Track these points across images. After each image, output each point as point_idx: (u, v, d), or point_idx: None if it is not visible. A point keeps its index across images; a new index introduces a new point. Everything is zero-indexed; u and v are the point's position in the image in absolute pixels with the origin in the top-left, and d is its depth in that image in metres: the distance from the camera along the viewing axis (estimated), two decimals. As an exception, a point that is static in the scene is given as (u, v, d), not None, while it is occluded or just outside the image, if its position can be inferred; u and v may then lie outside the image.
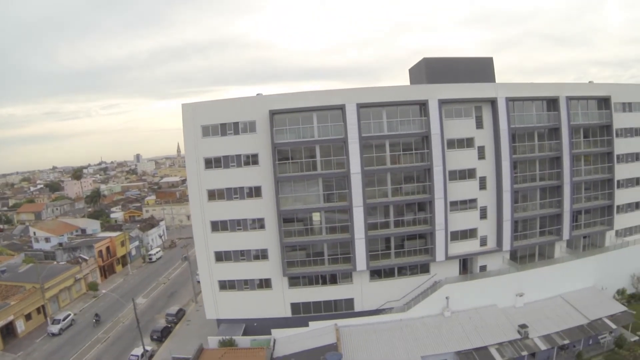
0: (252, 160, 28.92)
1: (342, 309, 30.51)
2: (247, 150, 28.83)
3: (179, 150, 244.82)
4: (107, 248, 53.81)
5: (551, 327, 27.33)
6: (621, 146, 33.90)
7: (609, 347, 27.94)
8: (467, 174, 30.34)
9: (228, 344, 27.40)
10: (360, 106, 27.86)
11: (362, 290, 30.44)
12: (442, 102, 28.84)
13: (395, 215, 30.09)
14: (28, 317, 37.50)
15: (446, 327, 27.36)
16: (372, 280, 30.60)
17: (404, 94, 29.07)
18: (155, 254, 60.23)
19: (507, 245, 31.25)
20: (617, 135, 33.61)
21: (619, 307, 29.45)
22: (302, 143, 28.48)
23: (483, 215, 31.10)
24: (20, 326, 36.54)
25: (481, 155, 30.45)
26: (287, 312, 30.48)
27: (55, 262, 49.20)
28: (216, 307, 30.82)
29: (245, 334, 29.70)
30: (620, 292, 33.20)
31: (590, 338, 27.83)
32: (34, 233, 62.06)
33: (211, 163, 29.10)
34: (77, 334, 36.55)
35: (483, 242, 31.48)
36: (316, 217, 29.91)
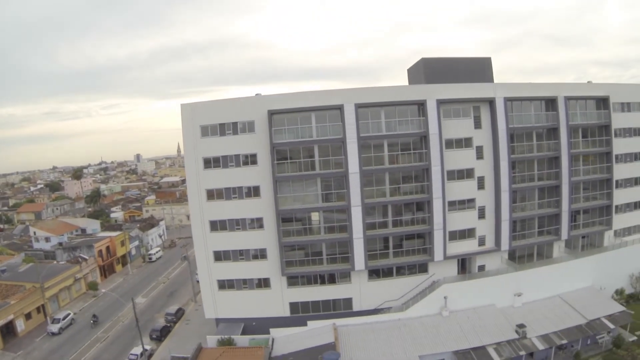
0: (250, 160, 29.01)
1: (341, 308, 30.58)
2: (245, 150, 28.92)
3: (179, 150, 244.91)
4: (107, 248, 53.92)
5: (549, 327, 27.37)
6: (620, 146, 33.93)
7: (607, 347, 27.98)
8: (465, 174, 30.40)
9: (227, 343, 27.50)
10: (358, 106, 27.94)
11: (361, 289, 30.51)
12: (441, 102, 28.91)
13: (394, 215, 30.16)
14: (28, 316, 37.60)
15: (444, 326, 27.42)
16: (371, 280, 30.67)
17: (402, 94, 29.14)
18: (155, 254, 60.34)
19: (505, 245, 31.30)
20: (615, 135, 33.64)
21: (617, 307, 29.48)
22: (300, 143, 28.56)
23: (481, 215, 31.16)
24: (20, 325, 36.66)
25: (479, 155, 30.50)
26: (286, 312, 30.56)
27: (55, 262, 49.31)
28: (215, 307, 30.92)
29: (244, 333, 29.79)
30: (619, 292, 33.24)
31: (589, 338, 27.86)
32: (34, 233, 62.20)
33: (210, 163, 29.20)
34: (77, 333, 36.65)
35: (481, 241, 31.54)
36: (315, 216, 30.00)
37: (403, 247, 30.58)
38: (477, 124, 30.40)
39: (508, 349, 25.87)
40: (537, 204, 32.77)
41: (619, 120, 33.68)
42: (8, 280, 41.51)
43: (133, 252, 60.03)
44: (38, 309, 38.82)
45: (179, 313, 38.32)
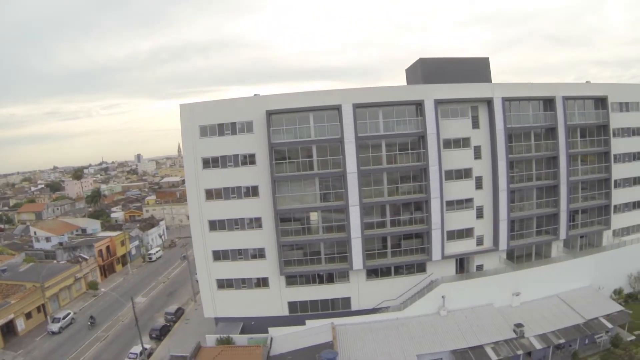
0: (249, 160, 29.15)
1: (339, 307, 30.68)
2: (244, 150, 29.04)
3: (179, 150, 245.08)
4: (107, 247, 54.11)
5: (547, 326, 27.42)
6: (618, 146, 33.97)
7: (605, 346, 28.02)
8: (463, 174, 30.47)
9: (225, 342, 27.62)
10: (356, 106, 28.04)
11: (359, 289, 30.61)
12: (438, 102, 28.99)
13: (392, 214, 30.25)
14: (28, 315, 37.78)
15: (442, 326, 27.49)
16: (369, 279, 30.77)
17: (400, 94, 29.24)
18: (155, 254, 60.53)
19: (503, 244, 31.36)
20: (614, 135, 33.69)
21: (615, 307, 29.51)
22: (298, 143, 28.67)
23: (479, 214, 31.23)
24: (21, 325, 36.84)
25: (477, 155, 30.57)
26: (285, 311, 30.67)
27: (55, 262, 49.49)
28: (214, 306, 31.05)
29: (243, 332, 29.90)
30: (618, 292, 33.26)
31: (587, 337, 27.90)
32: (35, 233, 62.45)
33: (209, 163, 29.34)
34: (77, 332, 36.82)
35: (479, 241, 31.61)
36: (313, 216, 30.11)
37: (401, 247, 30.67)
38: (475, 124, 30.47)
39: (506, 349, 25.94)
40: (536, 203, 32.81)
41: (617, 120, 33.72)
42: (8, 279, 41.71)
43: (133, 251, 60.22)
44: (38, 309, 39.01)
45: (179, 312, 38.47)
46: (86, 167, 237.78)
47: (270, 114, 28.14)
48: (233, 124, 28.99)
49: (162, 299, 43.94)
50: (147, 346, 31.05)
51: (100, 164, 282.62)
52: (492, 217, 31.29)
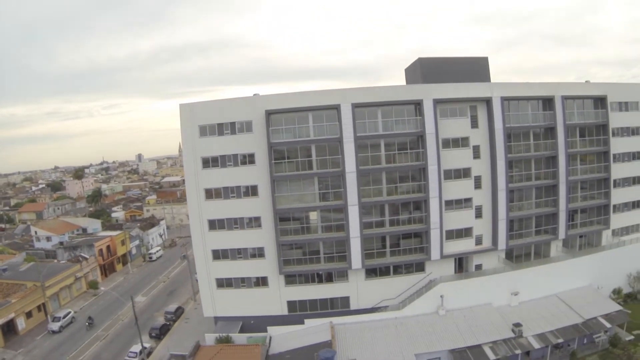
0: (248, 159, 29.23)
1: (338, 307, 30.75)
2: (243, 149, 29.13)
3: (180, 150, 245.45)
4: (108, 247, 54.27)
5: (545, 326, 27.45)
6: (617, 145, 33.96)
7: (603, 346, 28.03)
8: (462, 173, 30.51)
9: (224, 341, 27.72)
10: (355, 106, 28.10)
11: (358, 288, 30.68)
12: (437, 102, 29.04)
13: (391, 214, 30.31)
14: (29, 314, 37.93)
15: (440, 325, 27.55)
16: (368, 279, 30.83)
17: (398, 93, 29.29)
18: (155, 253, 60.69)
19: (502, 244, 31.40)
20: (613, 135, 33.66)
21: (614, 307, 29.52)
22: (298, 142, 28.75)
23: (478, 214, 31.27)
24: (21, 324, 36.99)
25: (476, 154, 30.61)
26: (284, 310, 30.76)
27: (56, 261, 49.67)
28: (213, 305, 31.14)
29: (242, 331, 29.99)
30: (616, 292, 33.25)
31: (585, 337, 27.92)
32: (36, 232, 62.68)
33: (208, 162, 29.43)
34: (77, 331, 36.96)
35: (478, 241, 31.64)
36: (312, 215, 30.19)
37: (400, 246, 30.72)
38: (474, 124, 30.51)
39: (504, 348, 25.98)
40: (535, 203, 32.83)
41: (616, 120, 33.71)
42: (9, 279, 41.88)
43: (133, 251, 60.39)
44: (39, 308, 39.17)
45: (179, 312, 38.59)
46: (87, 167, 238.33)
47: (269, 113, 28.23)
48: (232, 124, 29.07)
49: (162, 298, 44.07)
50: (146, 345, 31.17)
51: (101, 163, 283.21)
52: (491, 216, 31.33)
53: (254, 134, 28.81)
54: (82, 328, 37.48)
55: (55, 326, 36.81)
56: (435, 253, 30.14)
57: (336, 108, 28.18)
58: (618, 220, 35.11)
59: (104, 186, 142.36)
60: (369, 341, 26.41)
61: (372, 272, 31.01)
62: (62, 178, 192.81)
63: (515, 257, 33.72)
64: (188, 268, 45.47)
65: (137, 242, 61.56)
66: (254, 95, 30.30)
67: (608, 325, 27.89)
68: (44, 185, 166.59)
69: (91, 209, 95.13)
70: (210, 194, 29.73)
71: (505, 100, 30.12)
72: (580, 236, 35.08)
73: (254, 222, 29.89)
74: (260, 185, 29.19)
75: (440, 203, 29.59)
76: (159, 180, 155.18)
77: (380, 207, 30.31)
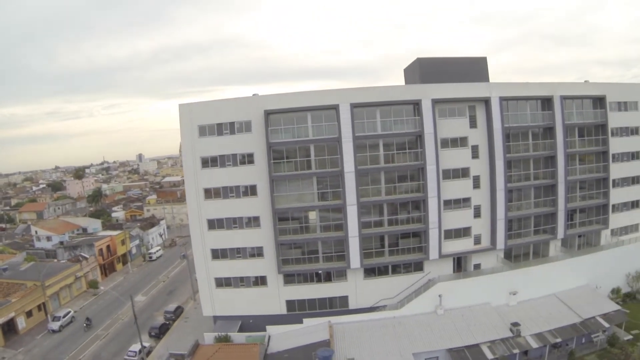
0: (247, 159, 29.32)
1: (337, 306, 30.82)
2: (242, 149, 29.22)
3: (181, 150, 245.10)
4: (108, 247, 54.39)
5: (544, 325, 27.50)
6: (616, 145, 33.98)
7: (601, 345, 28.05)
8: (460, 173, 30.56)
9: (223, 340, 27.79)
10: (353, 106, 28.18)
11: (357, 287, 30.74)
12: (436, 102, 29.09)
13: (389, 213, 30.38)
14: (29, 314, 38.05)
15: (439, 324, 27.61)
16: (367, 278, 30.90)
17: (397, 94, 29.35)
18: (155, 253, 60.80)
19: (501, 243, 31.44)
20: (612, 135, 33.69)
21: (612, 306, 29.54)
22: (296, 142, 28.83)
23: (477, 214, 31.32)
24: (21, 323, 37.11)
25: (475, 154, 30.66)
26: (283, 310, 30.84)
27: (56, 261, 49.80)
28: (213, 304, 31.24)
29: (241, 330, 30.07)
30: (615, 291, 33.29)
31: (583, 337, 27.96)
32: (36, 232, 62.82)
33: (208, 162, 29.53)
34: (77, 330, 37.07)
35: (477, 240, 31.69)
36: (311, 215, 30.28)
37: (399, 246, 30.78)
38: (473, 124, 30.56)
39: (502, 347, 26.03)
40: (533, 203, 32.88)
41: (615, 120, 33.74)
42: (10, 278, 42.00)
43: (133, 251, 60.51)
44: (39, 307, 39.28)
45: (178, 311, 38.69)
46: (88, 167, 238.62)
47: (268, 113, 28.31)
48: (232, 124, 29.16)
49: (162, 298, 44.19)
50: (146, 344, 31.27)
51: (102, 163, 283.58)
52: (489, 216, 31.37)
53: (253, 134, 28.90)
54: (82, 327, 37.59)
55: (55, 325, 36.94)
56: (433, 252, 30.20)
57: (335, 108, 28.26)
58: (617, 220, 35.15)
59: (104, 186, 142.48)
60: (367, 340, 26.47)
61: (370, 272, 31.07)
62: (63, 178, 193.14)
63: (514, 257, 33.76)
64: (188, 268, 45.57)
65: (137, 241, 61.68)
66: (253, 95, 30.40)
67: (606, 324, 27.92)
68: (44, 185, 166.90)
69: (91, 208, 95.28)
70: (210, 193, 29.82)
71: (503, 100, 30.17)
72: (579, 236, 35.12)
73: (253, 221, 29.98)
74: (259, 185, 29.28)
75: (438, 203, 29.65)
76: (159, 180, 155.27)
77: (379, 207, 30.37)
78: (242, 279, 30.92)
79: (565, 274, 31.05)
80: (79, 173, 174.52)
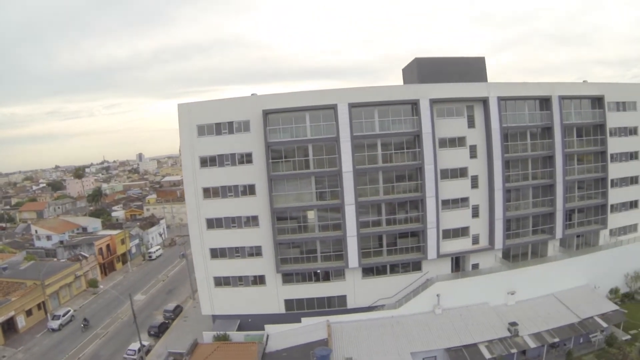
0: (246, 159, 29.40)
1: (335, 305, 30.90)
2: (241, 149, 29.29)
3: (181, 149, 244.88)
4: (108, 246, 54.50)
5: (542, 325, 27.54)
6: (615, 145, 33.99)
7: (599, 345, 28.09)
8: (458, 173, 30.61)
9: (222, 338, 27.88)
10: (352, 106, 28.23)
11: (355, 287, 30.81)
12: (434, 102, 29.13)
13: (387, 213, 30.44)
14: (29, 312, 38.16)
15: (436, 324, 27.66)
16: (365, 278, 30.96)
17: (395, 93, 29.39)
18: (155, 252, 60.91)
19: (499, 243, 31.48)
20: (610, 135, 33.70)
21: (610, 306, 29.59)
22: (295, 142, 28.89)
23: (475, 213, 31.35)
24: (21, 322, 37.23)
25: (473, 154, 30.70)
26: (281, 309, 30.92)
27: (56, 260, 49.89)
28: (211, 303, 31.33)
29: (239, 329, 30.18)
30: (614, 292, 33.33)
31: (581, 336, 28.01)
32: (36, 231, 62.95)
33: (206, 162, 29.61)
34: (77, 329, 37.15)
35: (475, 240, 31.73)
36: (309, 214, 30.34)
37: (397, 245, 30.84)
38: (471, 123, 30.59)
39: (500, 347, 26.08)
40: (532, 202, 32.90)
41: (614, 120, 33.75)
42: (9, 277, 42.10)
43: (133, 250, 60.61)
44: (39, 306, 39.40)
45: (177, 310, 38.79)
46: (88, 166, 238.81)
47: (266, 113, 28.38)
48: (230, 124, 29.23)
49: (161, 297, 44.29)
50: (145, 343, 31.36)
51: (102, 163, 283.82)
52: (487, 216, 31.42)
53: (251, 133, 28.97)
54: (81, 326, 37.71)
55: (54, 324, 37.05)
56: (432, 252, 30.25)
57: (333, 108, 28.32)
58: (615, 220, 35.15)
59: (104, 185, 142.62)
60: (365, 340, 26.54)
61: (369, 271, 31.13)
62: (63, 177, 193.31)
63: (512, 257, 33.80)
64: (187, 267, 45.66)
65: (136, 241, 61.78)
66: (252, 95, 30.46)
67: (604, 324, 27.95)
68: (44, 185, 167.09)
69: (91, 208, 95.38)
70: (209, 193, 29.91)
71: (502, 100, 30.20)
72: (578, 236, 35.13)
73: (252, 221, 30.05)
74: (257, 184, 29.35)
75: (437, 202, 29.70)
76: (159, 179, 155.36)
77: (377, 207, 30.43)
78: (240, 278, 31.01)
79: (563, 274, 31.09)
80: (79, 172, 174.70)
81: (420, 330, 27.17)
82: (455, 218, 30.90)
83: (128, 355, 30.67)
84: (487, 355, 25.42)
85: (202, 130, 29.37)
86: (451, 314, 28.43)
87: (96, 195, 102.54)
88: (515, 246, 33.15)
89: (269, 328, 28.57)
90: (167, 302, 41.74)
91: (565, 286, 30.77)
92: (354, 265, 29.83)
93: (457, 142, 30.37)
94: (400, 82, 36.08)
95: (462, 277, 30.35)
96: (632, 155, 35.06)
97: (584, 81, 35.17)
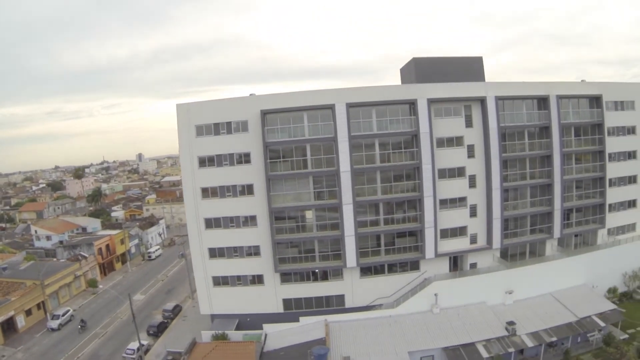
0: (244, 159, 29.47)
1: (333, 305, 30.96)
2: (239, 149, 29.37)
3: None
4: (107, 246, 54.59)
5: (539, 324, 27.61)
6: (613, 145, 34.03)
7: (597, 344, 28.13)
8: (456, 172, 30.66)
9: (220, 338, 27.97)
10: (349, 106, 28.30)
11: (353, 286, 30.88)
12: (431, 101, 29.19)
13: (385, 213, 30.51)
14: (28, 312, 38.25)
15: (434, 323, 27.73)
16: (363, 277, 31.03)
17: (393, 93, 29.46)
18: (154, 252, 61.00)
19: (497, 243, 31.54)
20: (608, 134, 33.73)
21: (608, 305, 29.65)
22: (293, 142, 28.97)
23: (473, 213, 31.41)
24: (21, 321, 37.32)
25: (471, 153, 30.75)
26: (279, 308, 31.00)
27: (55, 260, 49.99)
28: (210, 303, 31.41)
29: (238, 328, 30.25)
30: (612, 291, 33.36)
31: (579, 336, 28.04)
32: (36, 231, 63.06)
33: (205, 162, 29.70)
34: (76, 329, 37.25)
35: (473, 239, 31.79)
36: (307, 214, 30.41)
37: (395, 245, 30.90)
38: (469, 123, 30.64)
39: (497, 346, 26.15)
40: (530, 202, 32.95)
41: (612, 119, 33.78)
42: (9, 277, 42.22)
43: (133, 250, 60.71)
44: (38, 306, 39.49)
45: (176, 309, 38.88)
46: (87, 167, 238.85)
47: (264, 113, 28.45)
48: (228, 124, 29.31)
49: (161, 297, 44.38)
50: (144, 342, 31.47)
51: (102, 163, 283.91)
52: (485, 215, 31.47)
53: (249, 133, 29.04)
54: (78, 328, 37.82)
55: (54, 324, 37.15)
56: (429, 252, 30.31)
57: (331, 108, 28.38)
58: (613, 219, 35.19)
59: (104, 186, 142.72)
60: (362, 339, 26.61)
61: (367, 271, 31.20)
62: (63, 178, 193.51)
63: (510, 256, 33.84)
64: (186, 267, 45.74)
65: (136, 241, 61.88)
66: (250, 95, 30.53)
67: (602, 324, 28.00)
68: (44, 185, 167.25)
69: (91, 208, 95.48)
70: (207, 193, 29.98)
71: (499, 99, 30.26)
72: (576, 235, 35.18)
73: (250, 220, 30.12)
74: (255, 184, 29.42)
75: (434, 202, 29.75)
76: (159, 179, 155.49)
77: (375, 206, 30.51)
78: (239, 277, 31.09)
79: (561, 273, 31.15)
80: (78, 173, 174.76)
81: (418, 330, 27.24)
82: (453, 217, 30.96)
83: (127, 354, 30.75)
84: (484, 354, 25.49)
85: (201, 131, 29.45)
86: (449, 314, 28.49)
87: (96, 195, 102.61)
88: (513, 245, 33.21)
89: (267, 327, 28.66)
90: (166, 301, 41.83)
91: (563, 285, 30.84)
92: (352, 265, 29.90)
93: (454, 141, 30.43)
94: (399, 82, 36.15)
95: (459, 277, 30.42)
96: (630, 155, 35.11)
97: (582, 80, 35.22)
